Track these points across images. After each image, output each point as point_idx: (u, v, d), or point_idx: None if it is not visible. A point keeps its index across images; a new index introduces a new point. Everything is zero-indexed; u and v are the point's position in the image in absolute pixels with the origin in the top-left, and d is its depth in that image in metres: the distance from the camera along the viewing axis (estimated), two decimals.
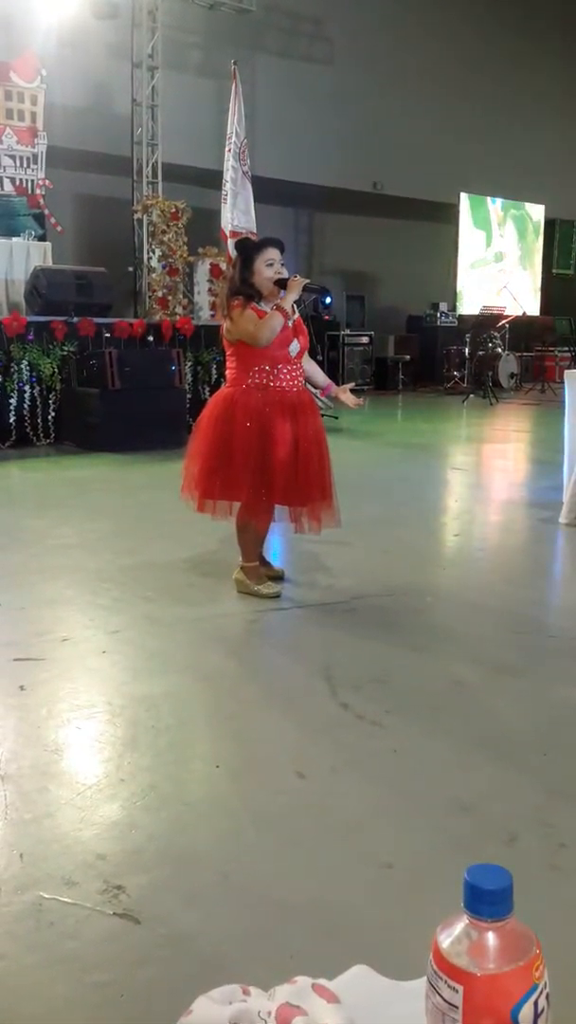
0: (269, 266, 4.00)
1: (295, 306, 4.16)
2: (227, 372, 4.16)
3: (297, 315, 4.16)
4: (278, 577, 4.38)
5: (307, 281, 4.02)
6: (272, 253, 4.02)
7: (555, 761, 2.65)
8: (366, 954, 1.31)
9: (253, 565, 4.25)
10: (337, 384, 4.34)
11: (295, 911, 1.92)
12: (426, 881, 2.03)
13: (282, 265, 4.05)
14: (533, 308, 18.92)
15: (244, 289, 4.02)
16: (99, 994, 1.68)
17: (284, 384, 4.04)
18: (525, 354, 17.69)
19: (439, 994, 0.88)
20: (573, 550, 5.37)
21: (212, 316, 11.20)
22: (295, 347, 4.05)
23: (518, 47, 17.35)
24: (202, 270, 11.78)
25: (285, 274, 4.02)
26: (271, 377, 4.02)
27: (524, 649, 3.61)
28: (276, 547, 4.59)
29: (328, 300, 15.03)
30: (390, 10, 15.53)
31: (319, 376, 4.37)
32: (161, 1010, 1.54)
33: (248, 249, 4.10)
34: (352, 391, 4.32)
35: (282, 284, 3.98)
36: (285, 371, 4.04)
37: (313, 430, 4.10)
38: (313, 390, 4.49)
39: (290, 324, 4.01)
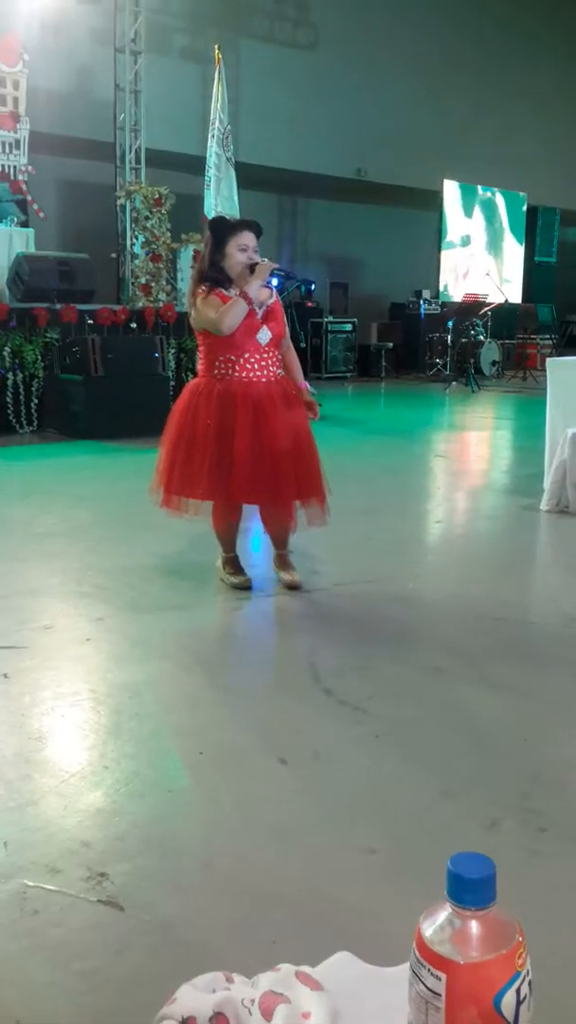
0: (242, 251, 3.84)
1: (275, 291, 4.08)
2: (198, 362, 4.05)
3: (274, 300, 3.99)
4: (243, 586, 4.17)
5: (275, 266, 3.87)
6: (246, 238, 3.86)
7: (535, 747, 2.66)
8: (349, 940, 1.32)
9: (228, 556, 4.23)
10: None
11: (278, 898, 1.93)
12: (409, 867, 2.04)
13: (255, 251, 3.88)
14: (515, 296, 18.93)
15: (212, 273, 3.86)
16: (83, 981, 1.68)
17: (252, 375, 3.86)
18: (507, 342, 17.72)
19: (422, 982, 0.89)
20: (554, 537, 5.40)
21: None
22: (265, 335, 3.87)
23: (502, 35, 17.32)
24: (185, 257, 11.73)
25: (257, 260, 3.85)
26: (237, 367, 3.85)
27: (505, 636, 3.62)
28: (257, 535, 4.59)
29: (311, 287, 15.03)
30: None
31: (296, 375, 4.13)
32: (145, 997, 1.54)
33: (221, 231, 3.91)
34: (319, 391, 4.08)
35: (253, 270, 3.82)
36: (253, 360, 3.86)
37: (287, 423, 3.90)
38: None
39: (258, 311, 3.87)
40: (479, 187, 18.28)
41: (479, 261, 18.49)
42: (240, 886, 1.98)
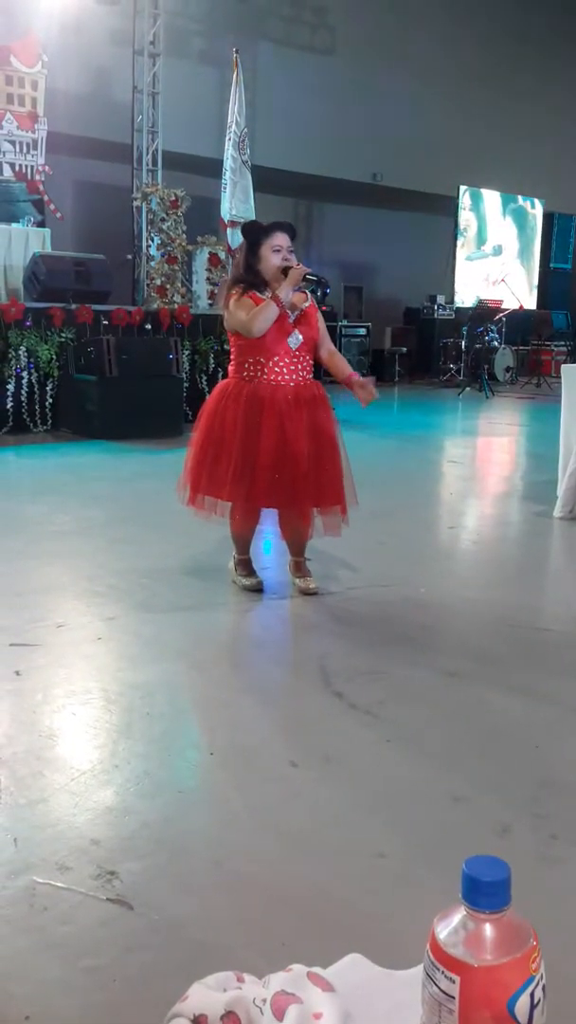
0: (276, 252, 3.84)
1: (310, 295, 4.05)
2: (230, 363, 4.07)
3: (309, 304, 3.97)
4: (254, 588, 4.17)
5: (307, 271, 3.85)
6: (280, 239, 3.87)
7: (547, 753, 2.66)
8: (359, 943, 1.32)
9: (241, 558, 4.23)
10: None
11: (288, 899, 1.93)
12: (419, 871, 2.04)
13: (290, 252, 3.88)
14: (530, 302, 18.90)
15: (247, 276, 3.88)
16: (91, 979, 1.68)
17: (281, 378, 3.86)
18: (521, 348, 17.67)
19: (436, 984, 0.89)
20: (567, 544, 5.38)
21: (210, 304, 11.17)
22: (296, 339, 3.87)
23: (520, 41, 17.29)
24: (201, 259, 11.76)
25: (293, 262, 3.85)
26: (266, 370, 3.86)
27: (517, 642, 3.62)
28: (269, 538, 4.59)
29: (327, 291, 15.02)
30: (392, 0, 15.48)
31: (343, 367, 4.10)
32: (153, 995, 1.55)
33: (254, 234, 3.93)
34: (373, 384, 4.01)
35: (287, 272, 3.81)
36: (283, 364, 3.87)
37: (311, 428, 3.90)
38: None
39: (291, 315, 3.87)
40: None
41: (510, 269, 18.48)
42: (250, 886, 1.98)
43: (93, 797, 2.34)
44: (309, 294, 4.02)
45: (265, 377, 3.87)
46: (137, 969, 1.70)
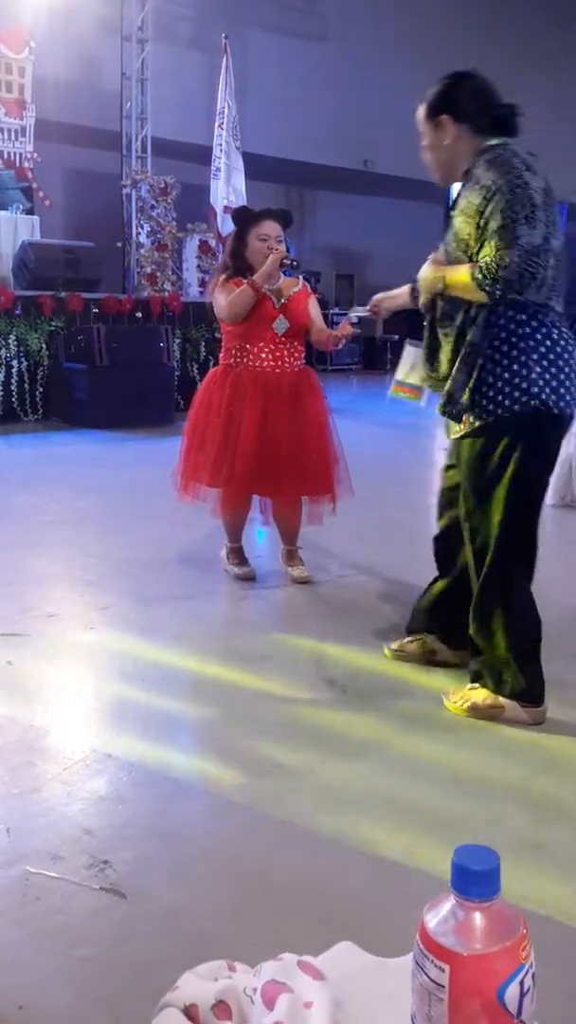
0: (262, 241, 3.82)
1: (302, 281, 4.02)
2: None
3: (299, 290, 3.94)
4: (246, 577, 4.15)
5: (282, 255, 3.80)
6: (268, 227, 3.84)
7: (543, 742, 2.66)
8: (350, 931, 1.32)
9: (232, 546, 4.23)
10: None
11: (280, 888, 1.93)
12: (411, 860, 2.04)
13: (278, 241, 3.85)
14: None
15: (233, 262, 3.89)
16: (84, 968, 1.69)
17: (264, 364, 3.86)
18: None
19: (425, 973, 0.89)
20: (559, 531, 5.38)
21: (201, 292, 11.14)
22: (281, 324, 3.85)
23: (514, 27, 17.23)
24: (191, 246, 11.71)
25: (281, 251, 3.82)
26: (250, 356, 3.86)
27: None
28: (260, 527, 4.58)
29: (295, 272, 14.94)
30: None
31: (324, 335, 3.93)
32: (146, 984, 1.55)
33: (242, 220, 3.93)
34: (348, 327, 3.72)
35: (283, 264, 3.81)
36: (267, 350, 3.86)
37: (298, 416, 3.90)
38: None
39: (276, 300, 3.84)
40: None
41: None
42: (242, 876, 1.98)
43: (86, 787, 2.34)
44: (302, 279, 4.01)
45: (250, 363, 3.88)
46: (130, 959, 1.71)
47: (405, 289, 3.13)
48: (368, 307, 3.40)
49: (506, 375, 2.60)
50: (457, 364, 2.66)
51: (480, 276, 2.51)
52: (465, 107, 2.74)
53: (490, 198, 2.53)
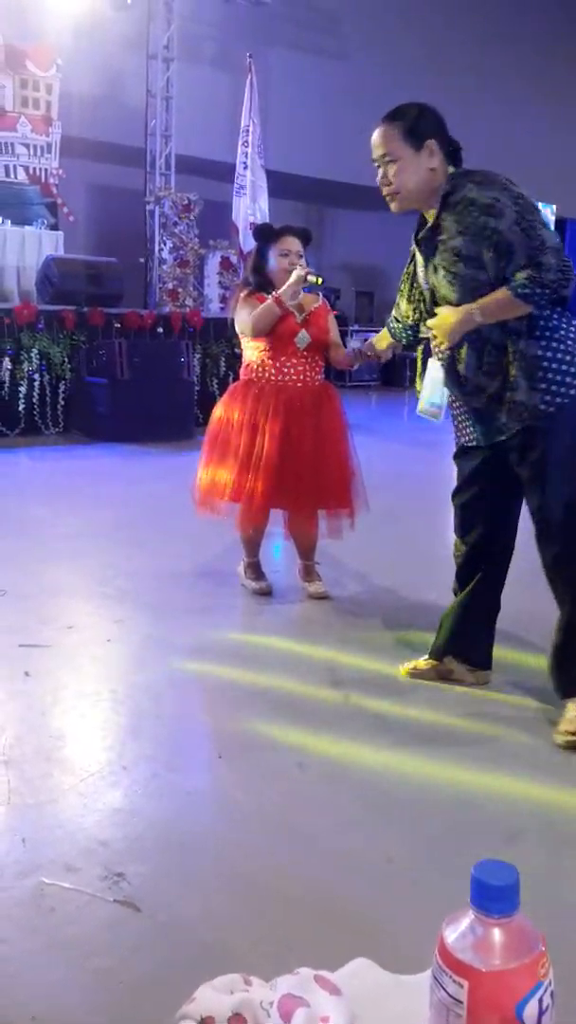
0: (283, 256, 3.85)
1: (322, 297, 4.05)
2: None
3: (319, 305, 3.97)
4: (263, 592, 4.15)
5: (306, 272, 3.79)
6: (288, 243, 3.87)
7: (557, 758, 2.65)
8: (366, 947, 1.31)
9: (250, 561, 4.23)
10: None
11: (295, 902, 1.92)
12: (426, 876, 2.03)
13: (299, 256, 3.87)
14: None
15: (254, 278, 3.92)
16: (98, 980, 1.68)
17: (288, 378, 3.87)
18: None
19: (444, 989, 0.89)
20: None
21: (222, 308, 11.20)
22: (303, 339, 3.86)
23: (533, 46, 17.29)
24: (213, 263, 11.77)
25: (301, 267, 3.82)
26: (273, 370, 3.88)
27: (526, 645, 3.60)
28: (278, 543, 4.58)
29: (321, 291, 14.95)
30: (405, 5, 15.48)
31: (341, 354, 3.97)
32: (159, 997, 1.54)
33: (264, 236, 3.96)
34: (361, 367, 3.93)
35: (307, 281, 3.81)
36: (289, 365, 3.87)
37: (322, 430, 3.91)
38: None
39: (298, 316, 3.85)
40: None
41: None
42: (257, 889, 1.97)
43: (101, 798, 2.34)
44: (321, 295, 4.03)
45: (272, 377, 3.89)
46: (144, 971, 1.70)
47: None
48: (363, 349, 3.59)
49: (563, 367, 2.66)
50: (514, 372, 2.70)
51: (526, 290, 2.55)
52: (444, 135, 2.91)
53: (498, 215, 2.60)
